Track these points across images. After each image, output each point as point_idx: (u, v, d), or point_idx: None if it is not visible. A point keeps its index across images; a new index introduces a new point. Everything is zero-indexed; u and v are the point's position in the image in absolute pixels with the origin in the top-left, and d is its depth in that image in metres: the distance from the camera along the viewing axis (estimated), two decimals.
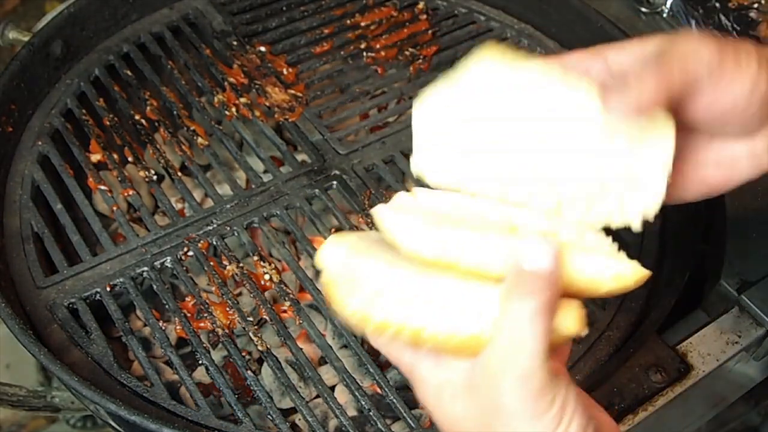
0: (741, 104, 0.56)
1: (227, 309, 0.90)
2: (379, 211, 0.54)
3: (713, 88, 0.55)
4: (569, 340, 0.53)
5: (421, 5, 1.23)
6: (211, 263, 0.93)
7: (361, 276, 0.52)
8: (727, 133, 0.60)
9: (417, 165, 0.59)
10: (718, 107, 0.57)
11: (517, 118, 0.56)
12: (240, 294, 0.98)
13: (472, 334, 0.50)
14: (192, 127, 1.06)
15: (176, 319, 0.89)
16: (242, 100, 1.09)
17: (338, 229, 1.03)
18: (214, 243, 0.95)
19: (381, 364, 0.92)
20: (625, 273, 0.53)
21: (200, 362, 0.87)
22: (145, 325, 0.97)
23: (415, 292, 0.51)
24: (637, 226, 0.58)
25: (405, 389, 0.88)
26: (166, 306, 0.90)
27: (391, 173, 1.03)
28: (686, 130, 0.60)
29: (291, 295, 0.91)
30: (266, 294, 0.92)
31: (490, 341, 0.50)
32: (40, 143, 1.03)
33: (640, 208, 0.58)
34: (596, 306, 0.91)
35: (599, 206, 0.58)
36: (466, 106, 0.57)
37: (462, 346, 0.51)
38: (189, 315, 0.90)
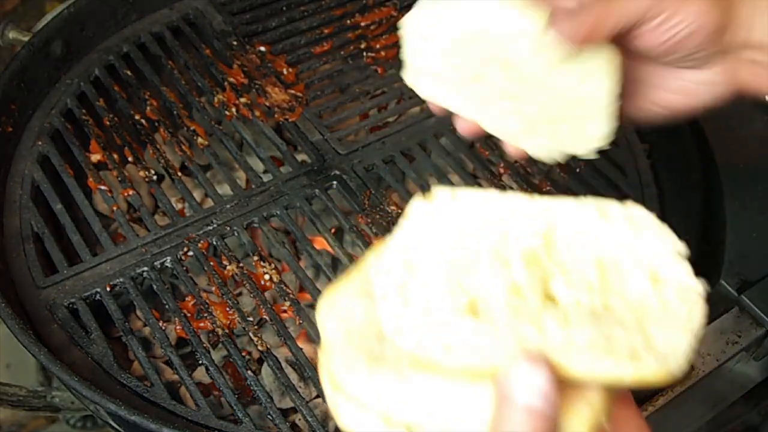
0: (683, 39, 0.62)
1: (227, 309, 0.90)
2: (373, 276, 0.49)
3: (653, 26, 0.61)
4: None
5: None
6: (211, 263, 0.93)
7: (340, 378, 0.48)
8: (679, 63, 0.65)
9: (409, 79, 0.67)
10: (659, 40, 0.62)
11: (482, 41, 0.63)
12: (240, 294, 0.98)
13: None
14: (192, 127, 1.06)
15: (176, 319, 0.89)
16: (242, 100, 1.09)
17: (338, 229, 1.03)
18: (214, 243, 0.95)
19: None
20: (646, 374, 0.44)
21: (200, 362, 0.87)
22: (145, 325, 0.97)
23: (396, 405, 0.46)
24: (592, 154, 0.65)
25: None
26: (166, 306, 0.90)
27: (391, 173, 1.03)
28: (644, 58, 0.66)
29: (291, 295, 0.91)
30: (266, 294, 0.92)
31: None
32: (40, 143, 1.03)
33: (594, 135, 0.64)
34: None
35: (561, 131, 0.64)
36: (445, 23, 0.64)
37: None
38: (189, 315, 0.90)
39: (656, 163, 1.05)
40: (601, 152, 1.04)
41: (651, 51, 0.64)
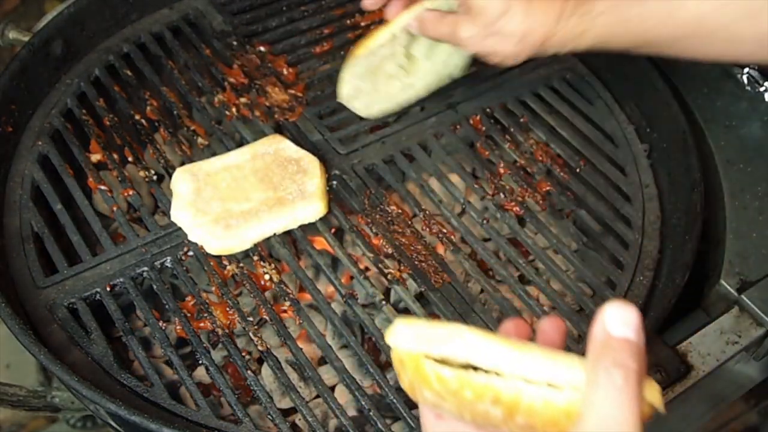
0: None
1: (227, 309, 0.90)
2: None
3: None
4: (649, 417, 0.50)
5: None
6: (211, 263, 0.93)
7: (451, 338, 0.50)
8: None
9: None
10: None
11: None
12: (240, 294, 0.98)
13: (569, 402, 0.48)
14: (192, 127, 1.06)
15: (176, 319, 0.89)
16: (242, 100, 1.09)
17: (338, 229, 1.03)
18: None
19: (381, 364, 0.92)
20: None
21: (200, 362, 0.87)
22: (145, 325, 0.97)
23: (507, 362, 0.49)
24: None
25: None
26: (166, 306, 0.90)
27: (391, 173, 1.03)
28: None
29: (291, 295, 0.91)
30: (266, 294, 0.92)
31: (582, 414, 0.47)
32: (40, 143, 1.03)
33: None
34: (596, 306, 0.91)
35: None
36: None
37: (556, 417, 0.49)
38: (189, 315, 0.90)
39: (656, 163, 1.05)
40: (601, 152, 1.05)
41: None
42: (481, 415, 0.50)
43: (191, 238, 0.93)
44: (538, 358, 0.49)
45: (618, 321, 0.48)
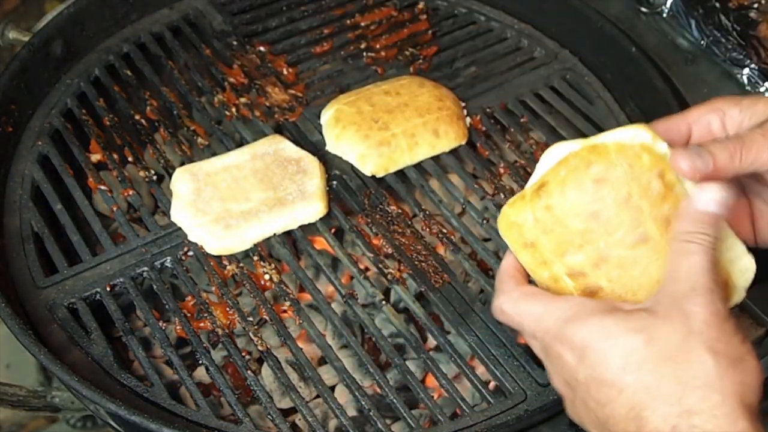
0: None
1: (227, 309, 0.90)
2: None
3: None
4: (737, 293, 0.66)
5: (421, 5, 1.23)
6: (211, 263, 0.93)
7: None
8: None
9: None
10: None
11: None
12: (240, 294, 0.98)
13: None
14: (192, 127, 1.06)
15: (176, 319, 0.89)
16: (242, 100, 1.09)
17: (338, 229, 1.03)
18: None
19: (381, 364, 0.92)
20: None
21: (200, 362, 0.87)
22: (145, 325, 0.97)
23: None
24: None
25: (405, 389, 0.88)
26: (166, 306, 0.90)
27: (392, 173, 1.02)
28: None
29: (291, 295, 0.91)
30: (266, 294, 0.92)
31: (668, 272, 0.59)
32: (40, 143, 1.03)
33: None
34: None
35: None
36: None
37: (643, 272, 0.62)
38: (189, 315, 0.90)
39: None
40: None
41: None
42: (644, 186, 0.61)
43: (191, 238, 0.93)
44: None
45: (705, 197, 0.59)
